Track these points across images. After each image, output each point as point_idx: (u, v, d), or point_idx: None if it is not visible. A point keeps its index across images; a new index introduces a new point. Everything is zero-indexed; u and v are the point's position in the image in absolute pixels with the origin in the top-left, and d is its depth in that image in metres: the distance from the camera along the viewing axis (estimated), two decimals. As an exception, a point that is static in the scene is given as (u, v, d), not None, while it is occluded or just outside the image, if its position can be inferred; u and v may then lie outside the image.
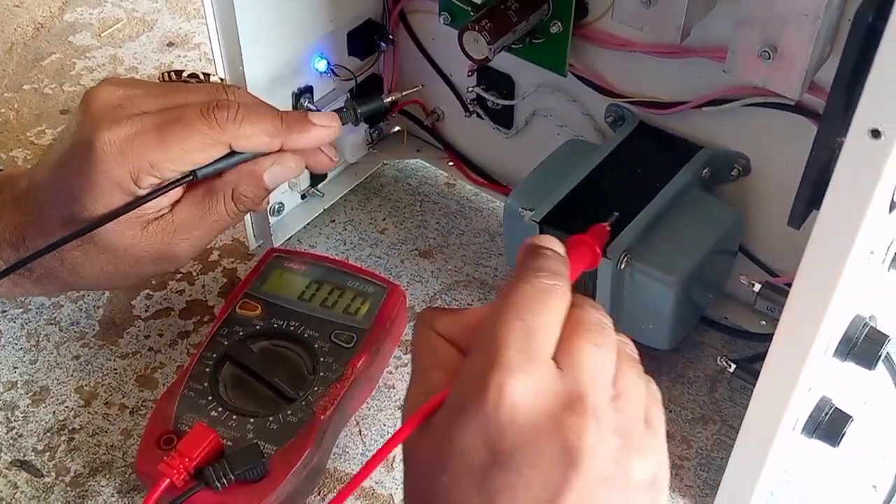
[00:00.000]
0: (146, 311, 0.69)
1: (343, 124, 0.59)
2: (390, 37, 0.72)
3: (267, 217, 0.71)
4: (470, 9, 0.63)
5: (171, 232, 0.56)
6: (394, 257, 0.72)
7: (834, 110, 0.42)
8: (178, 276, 0.71)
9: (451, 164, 0.77)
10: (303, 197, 0.74)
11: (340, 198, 0.76)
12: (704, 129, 0.61)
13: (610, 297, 0.58)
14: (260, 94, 0.64)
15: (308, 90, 0.69)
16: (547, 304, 0.39)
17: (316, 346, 0.60)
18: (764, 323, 0.66)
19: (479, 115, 0.72)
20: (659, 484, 0.39)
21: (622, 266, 0.57)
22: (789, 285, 0.45)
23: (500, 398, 0.36)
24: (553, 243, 0.43)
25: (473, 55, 0.59)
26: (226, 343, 0.60)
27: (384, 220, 0.75)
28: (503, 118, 0.72)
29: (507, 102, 0.70)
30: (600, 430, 0.36)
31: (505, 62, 0.68)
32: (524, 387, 0.36)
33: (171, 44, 0.92)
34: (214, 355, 0.59)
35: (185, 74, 0.66)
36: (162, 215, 0.56)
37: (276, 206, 0.72)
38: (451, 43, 0.70)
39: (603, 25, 0.61)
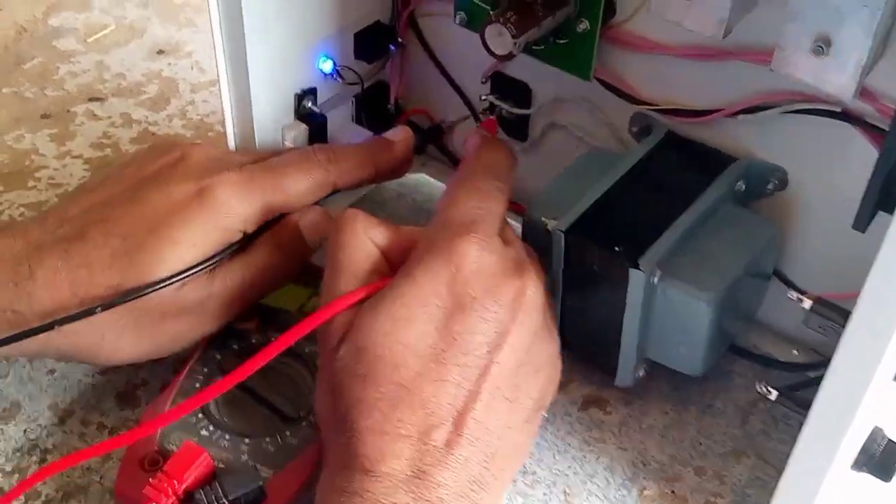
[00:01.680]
0: (128, 324, 0.63)
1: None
2: (400, 40, 0.68)
3: None
4: (489, 7, 0.59)
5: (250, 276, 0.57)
6: (397, 274, 0.67)
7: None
8: (164, 288, 0.66)
9: (458, 178, 0.72)
10: (301, 209, 0.69)
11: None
12: (739, 140, 0.57)
13: (640, 315, 0.54)
14: (261, 91, 0.61)
15: (311, 92, 0.64)
16: (500, 199, 0.53)
17: (317, 362, 0.55)
18: (796, 352, 0.61)
19: (491, 126, 0.68)
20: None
21: (655, 280, 0.52)
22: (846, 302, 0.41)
23: (467, 254, 0.47)
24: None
25: (496, 50, 0.55)
26: (218, 357, 0.55)
27: (387, 235, 0.71)
28: (517, 129, 0.67)
29: (522, 112, 0.66)
30: (538, 288, 0.49)
31: (521, 69, 0.64)
32: (486, 248, 0.47)
33: (161, 51, 0.88)
34: (206, 370, 0.54)
35: None
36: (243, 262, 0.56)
37: None
38: (463, 49, 0.66)
39: (632, 27, 0.58)
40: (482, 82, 0.66)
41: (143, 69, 0.86)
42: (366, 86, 0.68)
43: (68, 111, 0.81)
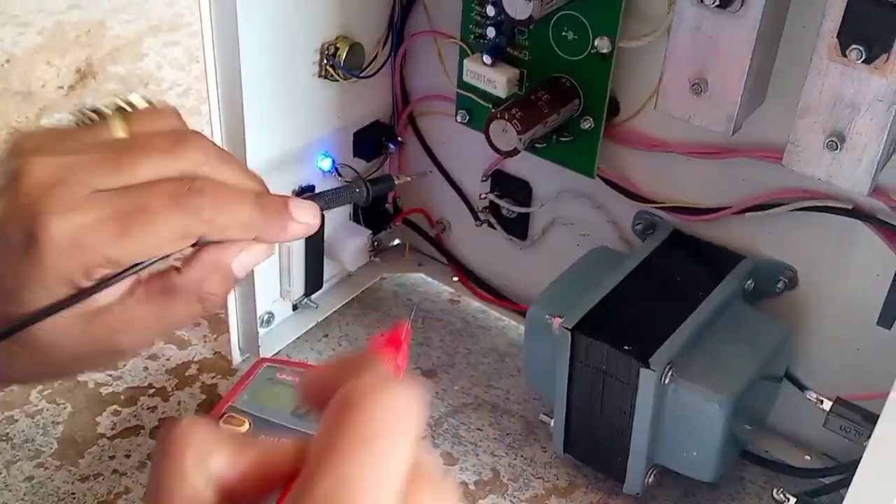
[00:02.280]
0: (112, 428, 0.61)
1: (351, 202, 0.52)
2: (398, 139, 0.67)
3: (255, 328, 0.64)
4: (491, 106, 0.58)
5: (117, 329, 0.45)
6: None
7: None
8: (151, 391, 0.63)
9: (456, 278, 0.71)
10: (294, 308, 0.67)
11: (335, 311, 0.69)
12: (747, 238, 0.56)
13: (650, 417, 0.51)
14: (259, 188, 0.59)
15: (310, 189, 0.63)
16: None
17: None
18: (808, 457, 0.59)
19: (490, 225, 0.67)
20: None
21: (666, 381, 0.50)
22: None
23: None
24: None
25: (501, 147, 0.54)
26: None
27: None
28: (517, 228, 0.66)
29: (523, 210, 0.65)
30: None
31: (522, 166, 0.64)
32: None
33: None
34: None
35: (105, 106, 0.51)
36: (110, 309, 0.42)
37: (266, 317, 0.65)
38: (462, 148, 0.66)
39: (635, 125, 0.57)
40: (482, 181, 0.66)
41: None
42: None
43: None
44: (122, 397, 0.63)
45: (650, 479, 0.55)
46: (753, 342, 0.54)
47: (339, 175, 0.65)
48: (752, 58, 0.46)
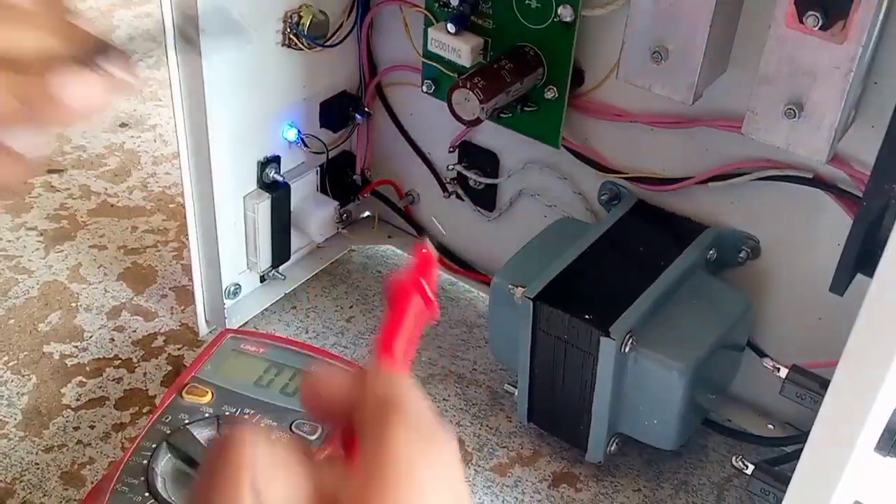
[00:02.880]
0: (77, 399, 0.61)
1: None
2: (366, 109, 0.67)
3: (221, 300, 0.64)
4: (456, 76, 0.58)
5: None
6: (361, 347, 0.65)
7: (890, 152, 0.38)
8: (117, 362, 0.63)
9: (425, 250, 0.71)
10: (262, 279, 0.67)
11: (303, 283, 0.69)
12: (710, 208, 0.56)
13: (611, 386, 0.52)
14: (223, 159, 0.59)
15: (275, 160, 0.63)
16: None
17: (274, 436, 0.52)
18: (771, 426, 0.60)
19: (458, 196, 0.67)
20: None
21: (626, 349, 0.50)
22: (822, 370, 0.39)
23: None
24: None
25: (464, 115, 0.54)
26: (167, 431, 0.52)
27: (351, 307, 0.68)
28: (485, 199, 0.66)
29: (490, 181, 0.65)
30: None
31: (489, 137, 0.64)
32: None
33: (124, 124, 0.87)
34: (153, 445, 0.51)
35: None
36: None
37: (232, 288, 0.65)
38: (429, 119, 0.65)
39: (599, 95, 0.57)
40: (450, 151, 0.65)
41: (105, 141, 0.84)
42: (331, 155, 0.67)
43: (25, 183, 0.79)
44: (88, 368, 0.63)
45: (612, 448, 0.55)
46: (715, 311, 0.54)
47: (306, 146, 0.64)
48: (712, 26, 0.46)
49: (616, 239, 0.57)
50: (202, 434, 0.52)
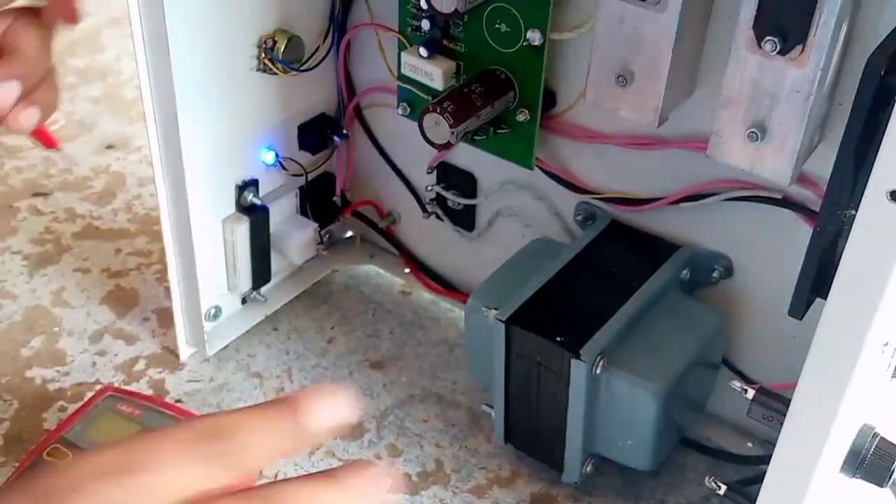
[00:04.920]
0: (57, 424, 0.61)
1: None
2: (344, 132, 0.67)
3: (201, 322, 0.64)
4: (430, 99, 0.58)
5: None
6: (342, 368, 0.65)
7: (841, 178, 0.38)
8: (98, 387, 0.63)
9: (407, 270, 0.71)
10: (243, 301, 0.68)
11: (285, 304, 0.70)
12: (682, 227, 0.57)
13: (584, 408, 0.52)
14: (199, 183, 0.59)
15: (253, 183, 0.63)
16: None
17: None
18: (751, 444, 0.60)
19: (438, 217, 0.67)
20: None
21: (598, 371, 0.51)
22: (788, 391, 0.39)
23: None
24: None
25: (435, 140, 0.54)
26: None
27: (332, 328, 0.69)
28: (464, 219, 0.66)
29: (468, 202, 0.65)
30: None
31: (466, 159, 0.64)
32: None
33: (110, 146, 0.87)
34: None
35: None
36: None
37: (212, 311, 0.65)
38: (408, 140, 0.66)
39: (572, 117, 0.57)
40: (428, 172, 0.66)
41: (91, 163, 0.85)
42: (310, 177, 0.67)
43: (11, 206, 0.79)
44: (69, 393, 0.63)
45: (588, 469, 0.55)
46: (688, 330, 0.54)
47: (284, 168, 0.65)
48: (674, 51, 0.47)
49: (590, 259, 0.57)
50: None
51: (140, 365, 0.65)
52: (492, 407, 0.58)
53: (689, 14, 0.46)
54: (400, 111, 0.61)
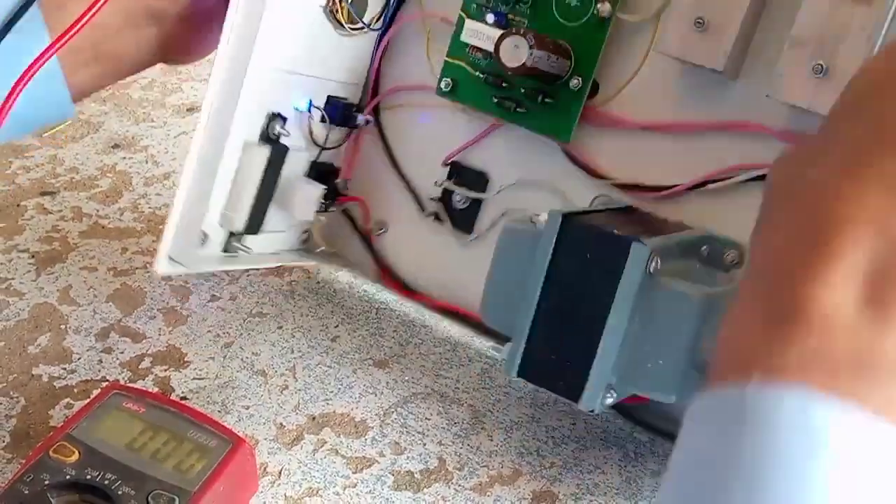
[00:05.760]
0: (64, 421, 0.61)
1: None
2: (367, 117, 0.68)
3: (196, 239, 0.62)
4: (480, 74, 0.62)
5: None
6: (345, 367, 0.66)
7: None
8: (104, 384, 0.64)
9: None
10: (224, 250, 0.65)
11: (291, 304, 0.70)
12: (698, 215, 0.58)
13: (630, 308, 0.50)
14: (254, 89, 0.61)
15: (283, 119, 0.64)
16: None
17: None
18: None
19: (437, 217, 0.67)
20: None
21: (653, 267, 0.50)
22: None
23: None
24: None
25: (508, 63, 0.57)
26: (26, 492, 0.50)
27: (336, 327, 0.69)
28: (465, 220, 0.66)
29: (479, 195, 0.65)
30: None
31: (481, 160, 0.65)
32: None
33: (116, 146, 0.88)
34: None
35: None
36: None
37: (203, 236, 0.63)
38: (420, 144, 0.67)
39: (611, 107, 0.60)
40: (443, 165, 0.66)
41: (97, 163, 0.85)
42: (322, 157, 0.68)
43: (18, 205, 0.80)
44: (76, 390, 0.64)
45: (608, 400, 0.53)
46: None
47: (311, 120, 0.65)
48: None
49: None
50: (60, 498, 0.51)
51: (146, 363, 0.66)
52: (502, 345, 0.55)
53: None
54: (443, 86, 0.63)
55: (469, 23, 0.61)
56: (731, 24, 0.52)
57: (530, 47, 0.56)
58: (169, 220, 0.61)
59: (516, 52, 0.56)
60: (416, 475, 0.59)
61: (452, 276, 0.68)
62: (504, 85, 0.61)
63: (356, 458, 0.59)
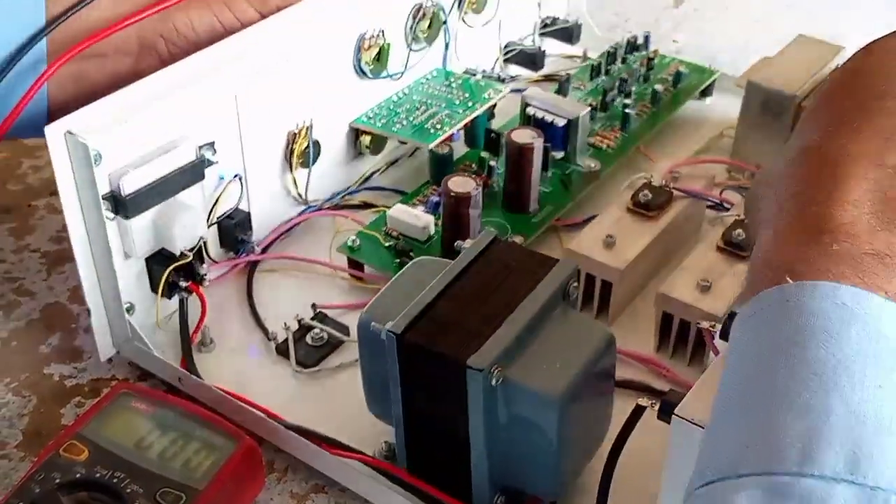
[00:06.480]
0: (75, 419, 0.67)
1: None
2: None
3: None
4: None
5: None
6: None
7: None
8: (114, 383, 0.70)
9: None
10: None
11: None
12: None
13: (483, 426, 0.51)
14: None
15: (210, 145, 0.69)
16: None
17: None
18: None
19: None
20: None
21: (494, 382, 0.50)
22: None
23: None
24: None
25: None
26: (37, 491, 0.53)
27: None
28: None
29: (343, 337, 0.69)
30: None
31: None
32: None
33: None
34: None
35: None
36: None
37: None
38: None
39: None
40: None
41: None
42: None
43: (29, 205, 0.85)
44: (86, 389, 0.70)
45: (499, 500, 0.54)
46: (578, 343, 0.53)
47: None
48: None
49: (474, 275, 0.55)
50: (70, 496, 0.53)
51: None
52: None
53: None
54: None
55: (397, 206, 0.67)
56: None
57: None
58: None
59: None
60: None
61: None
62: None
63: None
